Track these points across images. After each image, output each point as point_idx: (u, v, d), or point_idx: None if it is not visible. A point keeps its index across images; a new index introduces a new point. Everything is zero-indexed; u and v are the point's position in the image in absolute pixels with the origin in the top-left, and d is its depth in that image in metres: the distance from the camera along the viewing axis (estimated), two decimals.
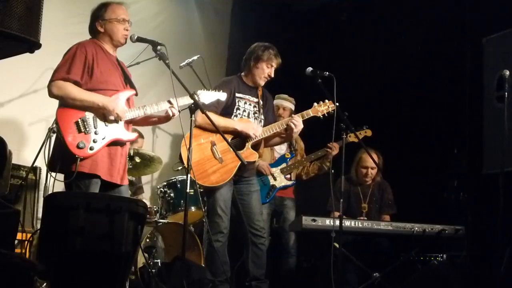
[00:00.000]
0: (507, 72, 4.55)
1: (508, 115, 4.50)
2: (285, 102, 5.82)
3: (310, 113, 4.78)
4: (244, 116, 4.73)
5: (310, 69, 4.58)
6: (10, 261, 2.60)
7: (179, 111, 4.09)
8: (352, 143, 5.22)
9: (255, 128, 4.65)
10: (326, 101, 4.78)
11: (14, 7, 2.85)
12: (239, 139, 4.66)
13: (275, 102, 5.52)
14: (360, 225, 5.04)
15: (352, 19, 7.03)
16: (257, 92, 4.84)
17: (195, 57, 5.17)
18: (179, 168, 5.96)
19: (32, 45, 2.99)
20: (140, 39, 4.01)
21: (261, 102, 4.84)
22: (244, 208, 4.67)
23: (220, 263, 4.46)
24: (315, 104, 4.82)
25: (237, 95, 4.72)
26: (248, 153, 4.64)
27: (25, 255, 4.49)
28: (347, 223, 4.89)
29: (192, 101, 3.93)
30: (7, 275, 2.53)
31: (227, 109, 4.67)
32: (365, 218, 5.49)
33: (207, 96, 4.29)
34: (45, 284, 3.98)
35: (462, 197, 5.68)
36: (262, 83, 4.80)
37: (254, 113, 4.79)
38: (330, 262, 4.26)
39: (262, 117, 4.81)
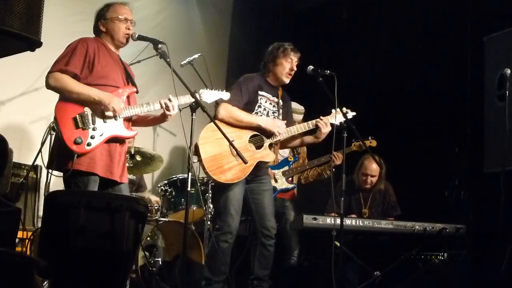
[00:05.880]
0: (508, 71, 4.56)
1: (509, 114, 4.50)
2: (294, 115, 5.44)
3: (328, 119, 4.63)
4: (264, 114, 4.69)
5: (311, 67, 4.58)
6: (10, 259, 2.59)
7: (179, 109, 4.08)
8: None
9: (280, 126, 4.59)
10: (344, 108, 4.66)
11: (15, 5, 2.85)
12: (259, 137, 4.60)
13: None
14: (361, 224, 5.03)
15: (352, 17, 7.03)
16: (277, 92, 4.81)
17: (196, 56, 5.16)
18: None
19: (33, 44, 2.99)
20: (141, 38, 4.02)
21: (280, 103, 4.80)
22: (256, 208, 4.62)
23: (221, 263, 4.42)
24: (333, 110, 4.63)
25: (260, 92, 4.68)
26: (265, 153, 4.59)
27: (26, 253, 4.49)
28: (348, 221, 4.88)
29: (193, 100, 3.93)
30: (7, 274, 2.52)
31: (248, 105, 4.63)
32: (366, 211, 5.52)
33: (209, 96, 4.29)
34: (46, 282, 3.97)
35: (463, 196, 5.67)
36: (286, 80, 4.74)
37: (273, 112, 4.75)
38: (331, 261, 4.27)
39: (281, 117, 4.76)
